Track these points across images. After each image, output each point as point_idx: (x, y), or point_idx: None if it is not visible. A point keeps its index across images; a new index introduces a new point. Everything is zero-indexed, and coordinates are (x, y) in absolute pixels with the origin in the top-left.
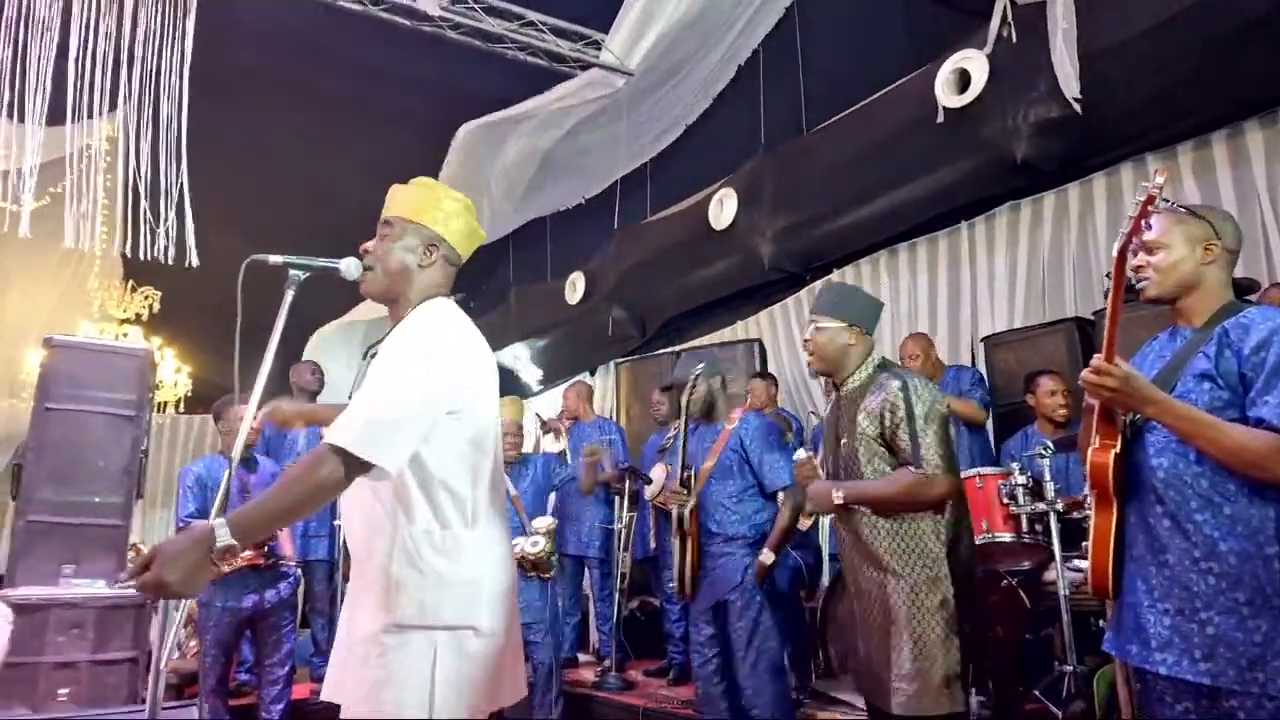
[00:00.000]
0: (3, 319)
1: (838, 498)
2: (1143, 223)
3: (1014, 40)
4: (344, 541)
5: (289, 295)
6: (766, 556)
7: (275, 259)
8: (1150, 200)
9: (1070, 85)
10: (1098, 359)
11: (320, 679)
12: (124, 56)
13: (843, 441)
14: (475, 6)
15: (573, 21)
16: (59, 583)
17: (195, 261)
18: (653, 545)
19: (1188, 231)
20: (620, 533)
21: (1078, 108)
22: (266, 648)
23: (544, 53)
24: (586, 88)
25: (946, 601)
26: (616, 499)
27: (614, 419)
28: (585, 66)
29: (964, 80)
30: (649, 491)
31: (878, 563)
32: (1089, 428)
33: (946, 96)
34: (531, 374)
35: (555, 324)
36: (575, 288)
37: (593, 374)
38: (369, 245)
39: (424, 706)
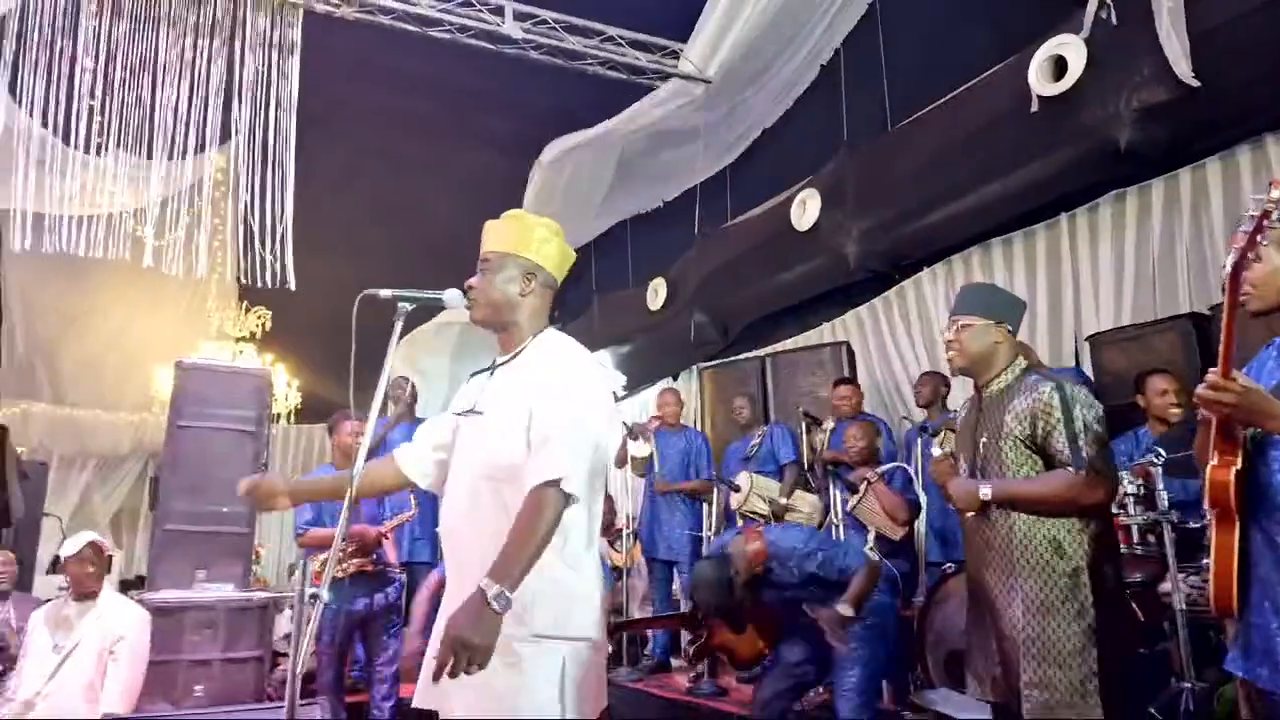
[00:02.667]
0: (133, 341)
1: (985, 494)
2: (1259, 237)
3: (1114, 22)
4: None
5: (398, 326)
6: (845, 609)
7: (385, 293)
8: (1266, 215)
9: (1181, 65)
10: (1214, 374)
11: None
12: (235, 94)
13: (983, 442)
14: (556, 26)
15: (650, 33)
16: (193, 586)
17: (293, 285)
18: None
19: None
20: (709, 540)
21: (1194, 84)
22: (375, 648)
23: (623, 66)
24: (667, 99)
25: (1085, 610)
26: (705, 505)
27: (696, 426)
28: (665, 77)
29: (1059, 67)
30: (735, 500)
31: (1011, 567)
32: (1206, 443)
33: (1041, 84)
34: (615, 381)
35: (637, 330)
36: (657, 294)
37: (675, 379)
38: (473, 281)
39: (557, 710)
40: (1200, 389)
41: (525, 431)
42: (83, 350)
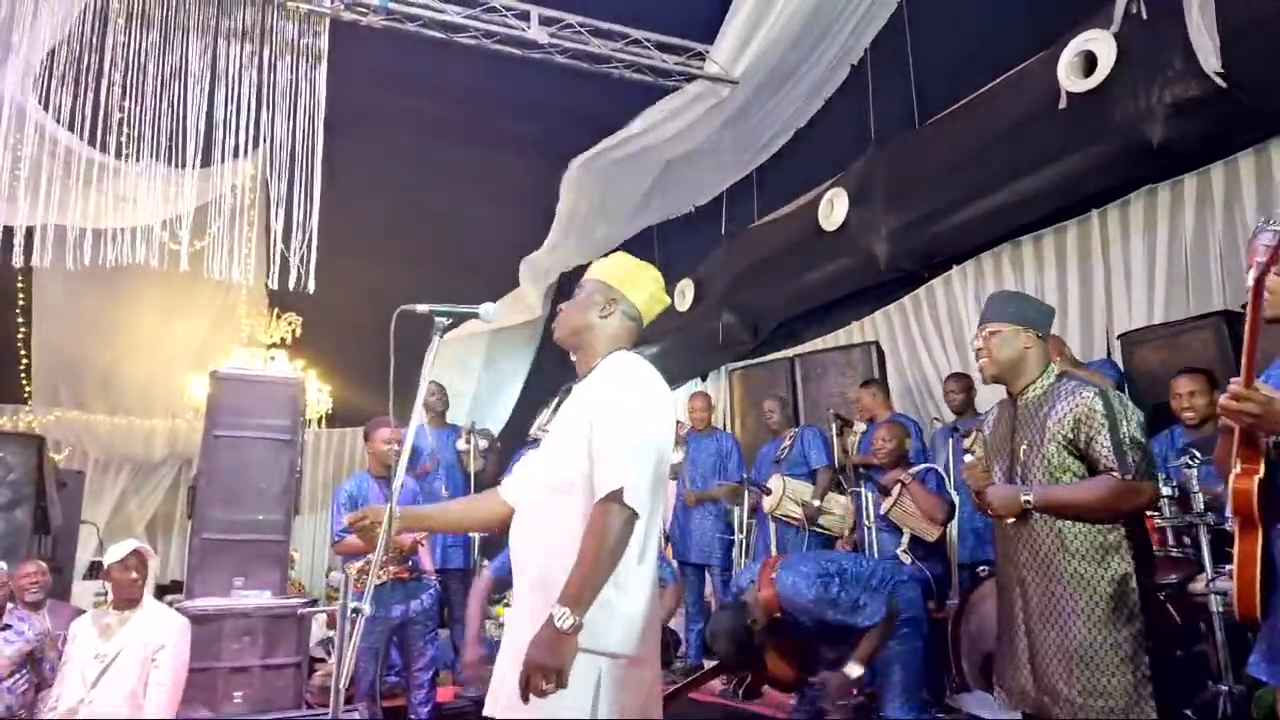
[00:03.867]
0: (164, 348)
1: (1028, 500)
2: None
3: (1144, 17)
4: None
5: (436, 341)
6: (853, 670)
7: (422, 308)
8: None
9: (1210, 60)
10: (1235, 384)
11: (461, 682)
12: (264, 102)
13: (1022, 448)
14: (581, 30)
15: (676, 35)
16: (230, 594)
17: (312, 288)
18: (774, 555)
19: None
20: (740, 542)
21: (1221, 82)
22: (412, 654)
23: (649, 69)
24: (694, 101)
25: (1134, 615)
26: (736, 510)
27: (725, 428)
28: (690, 78)
29: (1090, 62)
30: (768, 503)
31: (1056, 573)
32: (1227, 451)
33: (1071, 80)
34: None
35: (666, 331)
36: (685, 295)
37: (704, 380)
38: (563, 304)
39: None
40: (1223, 399)
41: (585, 445)
42: (113, 357)
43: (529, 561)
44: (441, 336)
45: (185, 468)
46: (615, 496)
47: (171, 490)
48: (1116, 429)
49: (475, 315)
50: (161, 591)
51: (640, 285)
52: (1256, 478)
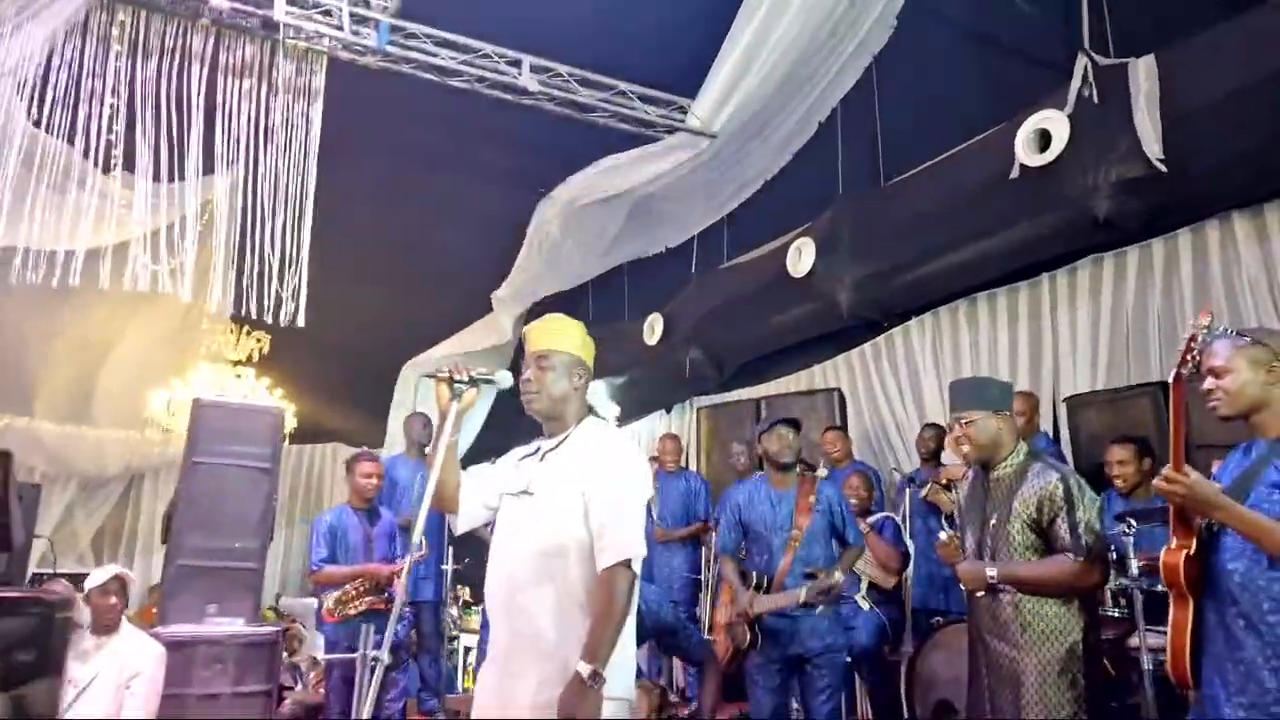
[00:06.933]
0: (121, 359)
1: (991, 576)
2: (1191, 355)
3: (1095, 100)
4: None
5: (454, 406)
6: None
7: (442, 374)
8: (1194, 338)
9: (1152, 147)
10: (1167, 469)
11: (427, 712)
12: (253, 128)
13: (991, 523)
14: (569, 79)
15: (659, 89)
16: (203, 621)
17: (301, 324)
18: None
19: (1251, 355)
20: (707, 582)
21: (1161, 168)
22: (385, 683)
23: (633, 119)
24: (673, 149)
25: (1076, 680)
26: (704, 549)
27: (692, 463)
28: (671, 130)
29: (1044, 139)
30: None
31: (1013, 640)
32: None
33: (1027, 155)
34: (608, 411)
35: (633, 363)
36: (654, 329)
37: (668, 412)
38: (530, 375)
39: None
40: (1156, 480)
41: (578, 514)
42: (67, 367)
43: (523, 620)
44: (459, 400)
45: (137, 481)
46: (624, 564)
47: (120, 505)
48: (1073, 513)
49: (493, 382)
50: None
51: (589, 348)
52: (1185, 553)
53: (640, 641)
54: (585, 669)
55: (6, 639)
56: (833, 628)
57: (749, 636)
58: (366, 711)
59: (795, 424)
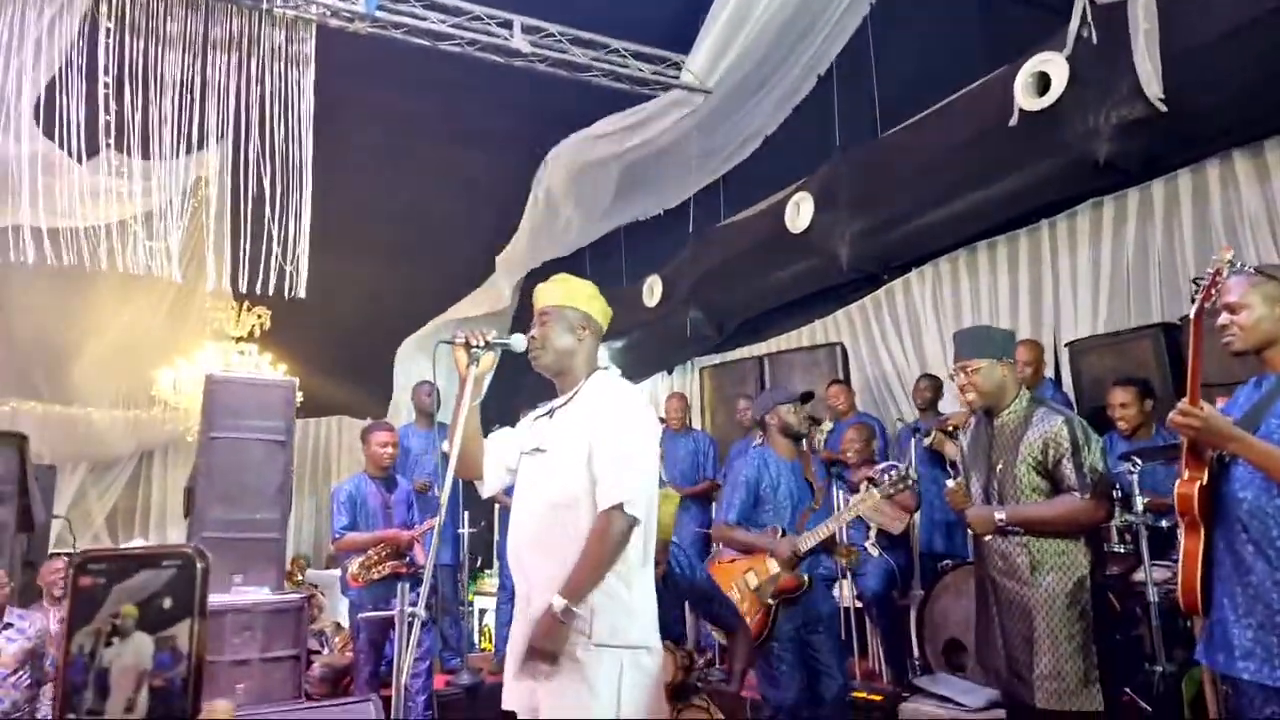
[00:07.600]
0: (125, 339)
1: (1000, 520)
2: (1213, 290)
3: (1094, 41)
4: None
5: (473, 371)
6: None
7: (459, 340)
8: (1219, 273)
9: (1152, 85)
10: (1183, 403)
11: (450, 671)
12: (244, 105)
13: (998, 468)
14: (561, 39)
15: (653, 46)
16: (231, 590)
17: (303, 294)
18: None
19: (1265, 292)
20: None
21: (1161, 107)
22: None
23: (627, 78)
24: (669, 107)
25: (1085, 612)
26: (713, 506)
27: (697, 422)
28: (666, 88)
29: (1044, 82)
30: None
31: (1023, 578)
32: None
33: (1026, 99)
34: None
35: (634, 325)
36: (653, 291)
37: (670, 373)
38: (535, 332)
39: (613, 709)
40: (1172, 414)
41: (586, 464)
42: (74, 348)
43: (537, 571)
44: (477, 365)
45: (146, 460)
46: (617, 507)
47: (131, 483)
48: (1079, 454)
49: (509, 346)
50: None
51: (597, 304)
52: (1199, 484)
53: (676, 604)
54: (559, 603)
55: (150, 589)
56: (827, 594)
57: (804, 578)
58: (407, 665)
59: (812, 398)
